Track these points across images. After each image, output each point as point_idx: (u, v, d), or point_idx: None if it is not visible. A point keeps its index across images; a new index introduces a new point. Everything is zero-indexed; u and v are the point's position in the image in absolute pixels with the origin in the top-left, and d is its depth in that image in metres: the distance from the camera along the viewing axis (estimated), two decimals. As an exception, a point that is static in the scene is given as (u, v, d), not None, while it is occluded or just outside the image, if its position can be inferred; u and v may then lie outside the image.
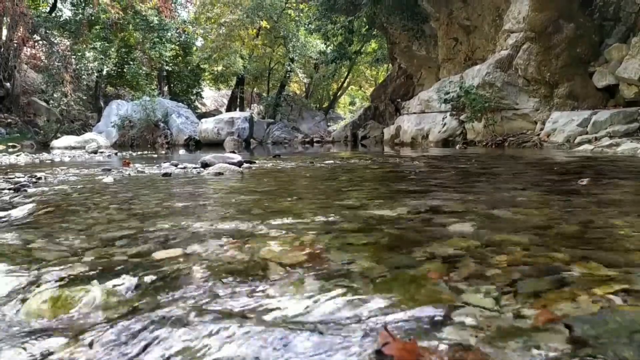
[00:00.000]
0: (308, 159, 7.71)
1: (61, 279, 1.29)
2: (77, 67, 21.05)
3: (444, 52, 16.50)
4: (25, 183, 3.85)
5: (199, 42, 28.57)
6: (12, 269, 1.41)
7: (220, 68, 28.72)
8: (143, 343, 0.92)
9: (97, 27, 22.08)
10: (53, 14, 22.66)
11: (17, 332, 1.02)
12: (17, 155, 9.73)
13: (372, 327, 0.95)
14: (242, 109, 29.44)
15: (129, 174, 4.89)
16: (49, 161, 8.14)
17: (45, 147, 16.77)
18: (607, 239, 1.64)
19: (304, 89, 33.81)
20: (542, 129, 11.37)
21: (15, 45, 19.65)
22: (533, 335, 0.89)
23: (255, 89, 33.73)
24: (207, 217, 2.24)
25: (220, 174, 4.74)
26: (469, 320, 0.96)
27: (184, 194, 3.36)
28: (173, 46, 25.32)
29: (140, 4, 21.68)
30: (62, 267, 1.40)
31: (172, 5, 25.72)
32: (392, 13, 16.91)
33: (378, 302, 1.08)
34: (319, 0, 19.20)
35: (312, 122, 27.75)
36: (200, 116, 23.96)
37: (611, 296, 1.06)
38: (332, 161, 6.85)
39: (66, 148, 16.03)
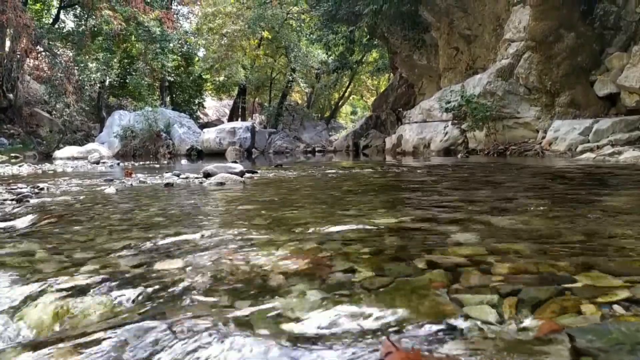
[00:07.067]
0: (310, 168, 7.71)
1: (62, 290, 1.29)
2: (80, 78, 21.18)
3: (444, 61, 16.56)
4: (27, 194, 3.86)
5: (201, 53, 28.75)
6: (14, 280, 1.40)
7: (222, 78, 28.88)
8: (145, 353, 0.91)
9: (100, 38, 22.27)
10: (56, 26, 22.87)
11: (18, 343, 1.01)
12: (20, 166, 9.76)
13: (374, 337, 0.94)
14: (243, 119, 29.60)
15: (131, 185, 4.89)
16: (52, 172, 8.16)
17: (47, 157, 16.83)
18: (611, 248, 1.63)
19: (305, 99, 33.94)
20: (543, 138, 11.37)
21: (18, 56, 19.80)
22: (535, 347, 0.88)
23: (257, 99, 33.90)
24: (209, 228, 2.24)
25: (222, 184, 4.75)
26: (470, 331, 0.95)
27: (186, 204, 3.36)
28: (175, 57, 25.52)
29: (143, 15, 21.83)
30: (63, 278, 1.39)
31: (174, 16, 25.95)
32: (393, 23, 17.01)
33: (380, 312, 1.07)
34: (320, 11, 19.34)
35: (314, 131, 27.85)
36: (202, 126, 24.09)
37: (615, 306, 1.05)
38: (334, 171, 6.85)
39: (68, 158, 16.08)
